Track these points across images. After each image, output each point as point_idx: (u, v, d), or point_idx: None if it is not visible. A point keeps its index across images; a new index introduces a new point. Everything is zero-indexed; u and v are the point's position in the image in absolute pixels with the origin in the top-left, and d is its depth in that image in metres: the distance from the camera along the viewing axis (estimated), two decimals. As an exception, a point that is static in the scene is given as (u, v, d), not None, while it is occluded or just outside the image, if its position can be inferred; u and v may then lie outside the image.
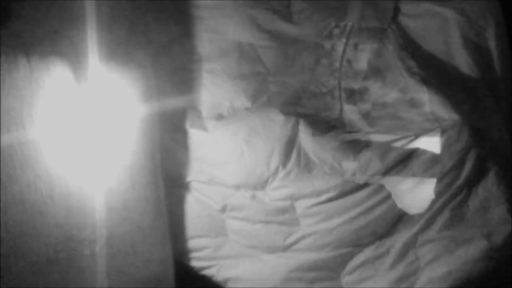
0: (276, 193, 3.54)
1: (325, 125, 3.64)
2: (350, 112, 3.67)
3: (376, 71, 3.71)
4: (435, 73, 3.70)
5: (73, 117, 3.25)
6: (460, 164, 3.55)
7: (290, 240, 3.55)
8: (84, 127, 3.29)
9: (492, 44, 3.75)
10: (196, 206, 3.58)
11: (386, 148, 3.58)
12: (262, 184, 3.54)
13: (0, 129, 2.99)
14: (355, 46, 3.72)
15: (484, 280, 3.49)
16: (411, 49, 3.72)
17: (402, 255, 3.52)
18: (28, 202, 3.10)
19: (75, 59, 3.23)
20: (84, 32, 3.26)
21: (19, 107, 3.02)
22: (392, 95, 3.68)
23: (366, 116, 3.67)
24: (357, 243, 3.54)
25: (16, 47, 3.02)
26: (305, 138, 3.57)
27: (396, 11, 3.75)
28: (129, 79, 3.43)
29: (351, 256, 3.55)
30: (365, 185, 3.56)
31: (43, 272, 3.23)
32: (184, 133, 3.61)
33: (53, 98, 3.17)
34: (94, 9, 3.26)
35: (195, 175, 3.58)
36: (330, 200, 3.54)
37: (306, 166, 3.56)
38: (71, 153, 3.27)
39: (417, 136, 3.59)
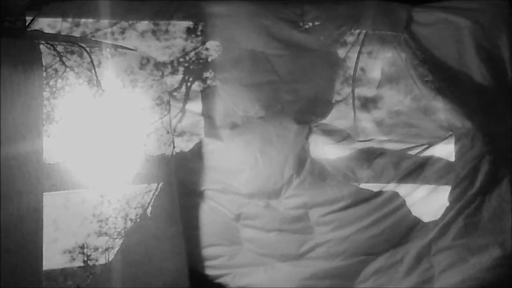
0: (290, 201, 3.55)
1: (339, 133, 3.65)
2: (364, 120, 3.68)
3: (389, 79, 3.72)
4: (448, 81, 3.71)
5: (88, 126, 3.27)
6: (474, 172, 3.58)
7: (304, 248, 3.56)
8: (99, 135, 3.31)
9: (504, 51, 3.77)
10: (211, 215, 3.58)
11: (400, 156, 3.60)
12: (276, 193, 3.55)
13: (16, 138, 2.99)
14: (369, 54, 3.73)
15: (498, 287, 3.50)
16: (424, 57, 3.72)
17: (417, 263, 3.53)
18: (44, 211, 3.10)
19: (91, 70, 3.26)
20: (99, 44, 3.29)
21: (35, 117, 3.03)
22: (405, 103, 3.70)
23: (380, 124, 3.68)
24: (371, 252, 3.55)
25: (32, 58, 3.03)
26: (319, 146, 3.59)
27: (409, 19, 3.75)
28: (143, 87, 3.45)
29: (365, 264, 3.56)
30: (379, 193, 3.58)
31: (58, 280, 3.25)
32: (198, 142, 3.63)
33: (69, 108, 3.20)
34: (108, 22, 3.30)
35: (209, 183, 3.58)
36: (344, 208, 3.55)
37: (320, 174, 3.57)
38: (86, 162, 3.28)
39: (431, 144, 3.62)
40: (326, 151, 3.60)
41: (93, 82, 3.30)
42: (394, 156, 3.60)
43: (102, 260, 3.32)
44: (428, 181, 3.58)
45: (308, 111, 3.66)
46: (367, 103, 3.70)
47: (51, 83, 3.24)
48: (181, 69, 3.58)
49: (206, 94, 3.60)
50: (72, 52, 3.31)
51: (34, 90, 3.03)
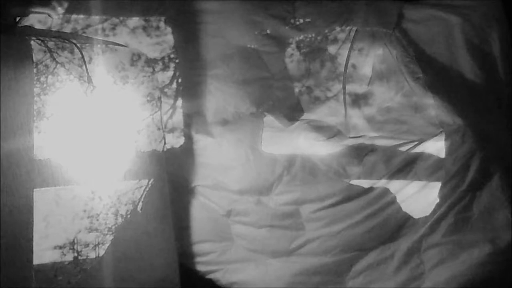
0: (281, 198, 3.56)
1: (330, 129, 3.66)
2: (355, 117, 3.69)
3: (380, 76, 3.72)
4: (439, 77, 3.71)
5: (79, 122, 3.27)
6: (464, 168, 3.58)
7: (295, 244, 3.56)
8: (89, 131, 3.32)
9: (495, 48, 3.76)
10: (202, 211, 3.58)
11: (391, 152, 3.61)
12: (267, 189, 3.56)
13: (6, 134, 2.99)
14: (360, 51, 3.73)
15: (488, 284, 3.51)
16: (415, 54, 3.72)
17: (407, 259, 3.54)
18: (34, 206, 3.10)
19: (82, 66, 3.27)
20: (90, 40, 3.29)
21: (26, 113, 3.03)
22: (396, 100, 3.70)
23: (370, 120, 3.69)
24: (361, 248, 3.56)
25: (22, 54, 3.04)
26: (310, 143, 3.59)
27: (400, 16, 3.75)
28: (134, 84, 3.45)
29: (355, 260, 3.56)
30: (369, 189, 3.59)
31: (48, 275, 3.26)
32: (189, 138, 3.62)
33: (59, 104, 3.20)
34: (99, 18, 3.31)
35: (200, 180, 3.58)
36: (335, 204, 3.56)
37: (311, 171, 3.58)
38: (77, 158, 3.29)
39: (421, 140, 3.63)
40: (316, 147, 3.60)
41: (84, 78, 3.30)
42: (385, 152, 3.60)
43: (92, 256, 3.33)
44: (419, 177, 3.59)
45: (299, 108, 3.67)
46: (358, 100, 3.71)
47: (42, 79, 3.24)
48: (172, 65, 3.58)
49: (195, 91, 3.60)
50: (63, 48, 3.31)
51: (25, 86, 3.03)
